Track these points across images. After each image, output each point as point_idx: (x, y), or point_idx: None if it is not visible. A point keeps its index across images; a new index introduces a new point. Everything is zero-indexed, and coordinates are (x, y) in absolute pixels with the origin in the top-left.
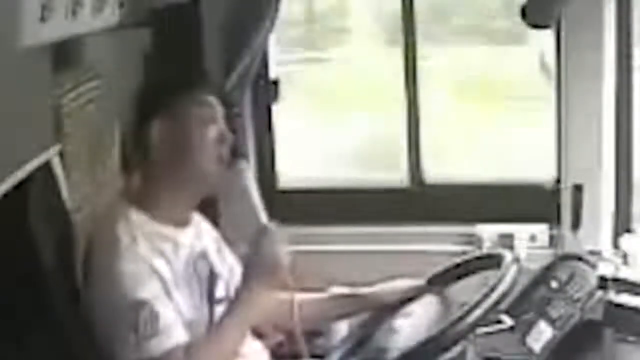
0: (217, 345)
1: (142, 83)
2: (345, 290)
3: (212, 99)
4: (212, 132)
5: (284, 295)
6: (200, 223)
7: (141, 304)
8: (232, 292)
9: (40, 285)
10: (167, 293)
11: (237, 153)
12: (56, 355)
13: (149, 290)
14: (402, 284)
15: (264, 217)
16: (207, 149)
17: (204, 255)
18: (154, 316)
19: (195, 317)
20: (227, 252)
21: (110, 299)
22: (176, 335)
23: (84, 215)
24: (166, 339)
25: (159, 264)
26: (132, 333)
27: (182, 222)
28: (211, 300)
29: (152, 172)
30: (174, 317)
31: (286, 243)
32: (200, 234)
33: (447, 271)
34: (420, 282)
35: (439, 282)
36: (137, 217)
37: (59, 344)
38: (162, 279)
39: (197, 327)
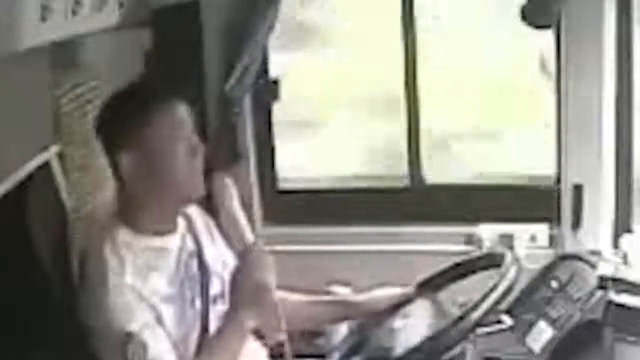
0: None
1: (113, 92)
2: (342, 293)
3: (183, 109)
4: (183, 145)
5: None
6: (191, 215)
7: (130, 336)
8: (227, 285)
9: (38, 286)
10: (158, 319)
11: (236, 155)
12: (54, 356)
13: (137, 321)
14: (394, 290)
15: (249, 236)
16: (178, 163)
17: (196, 253)
18: (143, 347)
19: (187, 324)
20: (219, 240)
21: (100, 329)
22: None
23: (83, 216)
24: None
25: (149, 282)
26: None
27: (169, 229)
28: (206, 298)
29: (132, 185)
30: (164, 345)
31: (273, 263)
32: (190, 229)
33: (446, 272)
34: (411, 288)
35: (438, 282)
36: (123, 235)
37: (57, 345)
38: (151, 305)
39: (190, 332)
